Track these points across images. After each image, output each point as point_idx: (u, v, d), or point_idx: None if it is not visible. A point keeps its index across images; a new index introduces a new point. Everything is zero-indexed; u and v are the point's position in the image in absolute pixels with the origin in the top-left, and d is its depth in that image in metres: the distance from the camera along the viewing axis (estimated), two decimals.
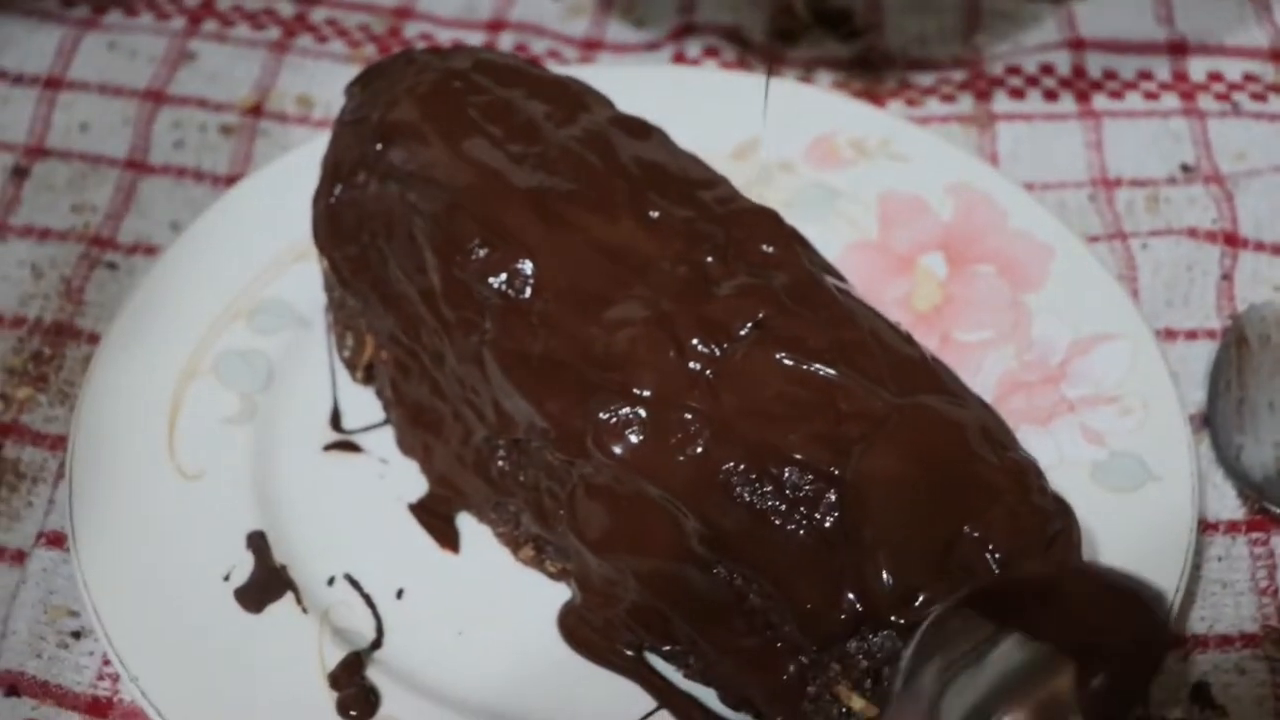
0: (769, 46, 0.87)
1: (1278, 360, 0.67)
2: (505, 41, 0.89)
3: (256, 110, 0.84)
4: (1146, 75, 0.85)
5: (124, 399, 0.66)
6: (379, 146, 0.63)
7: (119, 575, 0.60)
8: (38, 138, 0.82)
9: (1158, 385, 0.65)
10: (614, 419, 0.54)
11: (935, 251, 0.73)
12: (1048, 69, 0.86)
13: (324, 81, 0.85)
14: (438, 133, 0.62)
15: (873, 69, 0.86)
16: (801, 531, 0.52)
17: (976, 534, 0.51)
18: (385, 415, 0.68)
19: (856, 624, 0.51)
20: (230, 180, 0.80)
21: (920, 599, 0.50)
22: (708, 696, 0.58)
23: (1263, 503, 0.64)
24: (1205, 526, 0.64)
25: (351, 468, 0.67)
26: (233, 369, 0.69)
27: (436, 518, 0.64)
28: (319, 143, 0.69)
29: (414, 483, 0.65)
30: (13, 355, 0.72)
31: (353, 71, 0.69)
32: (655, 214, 0.60)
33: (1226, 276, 0.74)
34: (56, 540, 0.64)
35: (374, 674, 0.59)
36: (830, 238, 0.70)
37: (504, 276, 0.58)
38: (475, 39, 0.89)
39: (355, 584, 0.62)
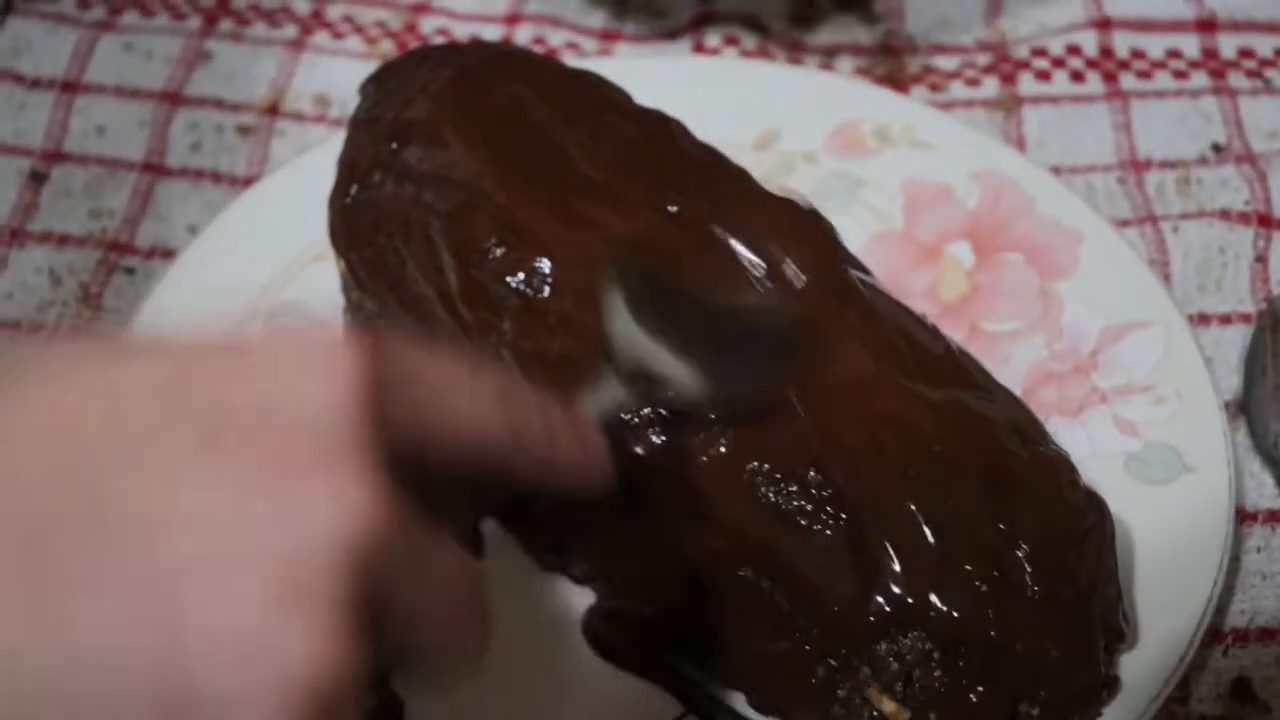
0: (788, 33, 0.86)
1: None
2: (523, 34, 0.88)
3: (273, 110, 0.84)
4: (1175, 53, 0.83)
5: None
6: (394, 146, 0.62)
7: None
8: (55, 142, 0.82)
9: (1192, 372, 0.64)
10: (633, 419, 0.53)
11: (961, 240, 0.71)
12: (1074, 49, 0.84)
13: (340, 79, 0.84)
14: (453, 131, 0.61)
15: (894, 54, 0.85)
16: (828, 532, 0.51)
17: (1008, 532, 0.50)
18: None
19: (885, 626, 0.50)
20: (247, 181, 0.79)
21: (949, 600, 0.49)
22: (736, 701, 0.57)
23: None
24: (1243, 517, 0.62)
25: None
26: None
27: None
28: (335, 143, 0.68)
29: None
30: None
31: (369, 68, 0.68)
32: (674, 208, 0.59)
33: (1260, 259, 0.72)
34: None
35: (397, 684, 0.58)
36: (854, 228, 0.68)
37: (521, 276, 0.57)
38: (493, 32, 0.88)
39: None
